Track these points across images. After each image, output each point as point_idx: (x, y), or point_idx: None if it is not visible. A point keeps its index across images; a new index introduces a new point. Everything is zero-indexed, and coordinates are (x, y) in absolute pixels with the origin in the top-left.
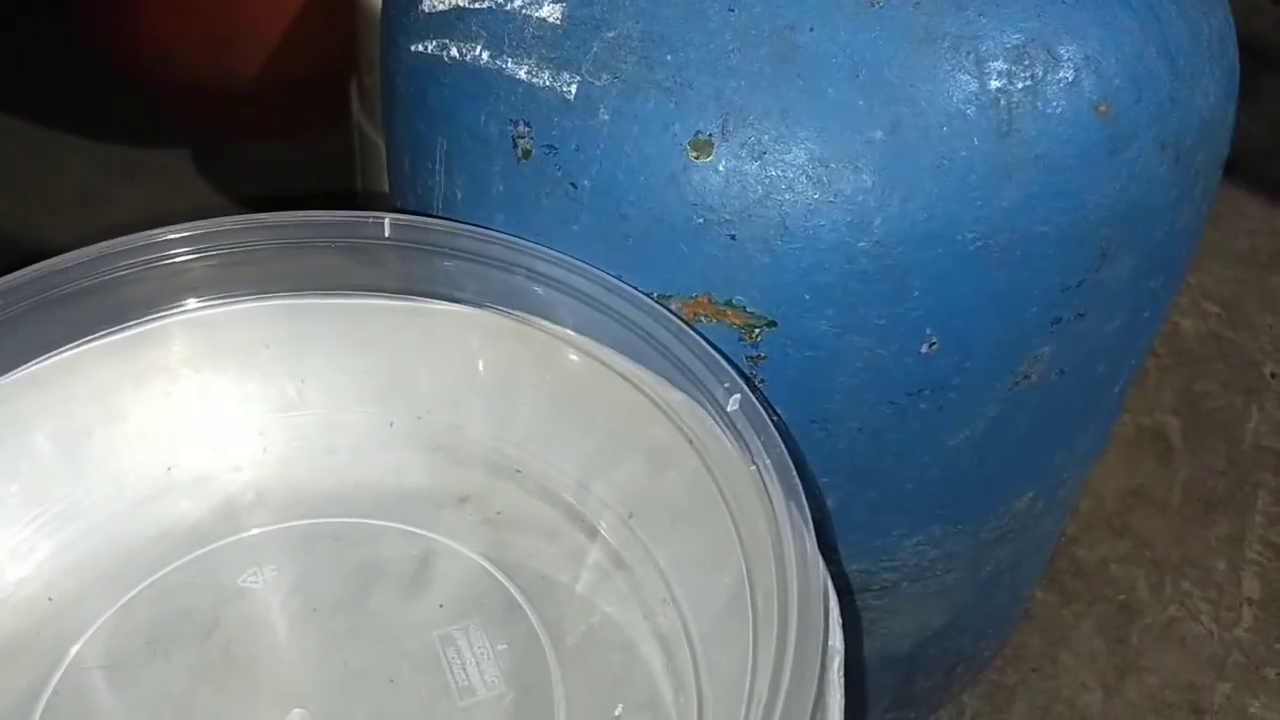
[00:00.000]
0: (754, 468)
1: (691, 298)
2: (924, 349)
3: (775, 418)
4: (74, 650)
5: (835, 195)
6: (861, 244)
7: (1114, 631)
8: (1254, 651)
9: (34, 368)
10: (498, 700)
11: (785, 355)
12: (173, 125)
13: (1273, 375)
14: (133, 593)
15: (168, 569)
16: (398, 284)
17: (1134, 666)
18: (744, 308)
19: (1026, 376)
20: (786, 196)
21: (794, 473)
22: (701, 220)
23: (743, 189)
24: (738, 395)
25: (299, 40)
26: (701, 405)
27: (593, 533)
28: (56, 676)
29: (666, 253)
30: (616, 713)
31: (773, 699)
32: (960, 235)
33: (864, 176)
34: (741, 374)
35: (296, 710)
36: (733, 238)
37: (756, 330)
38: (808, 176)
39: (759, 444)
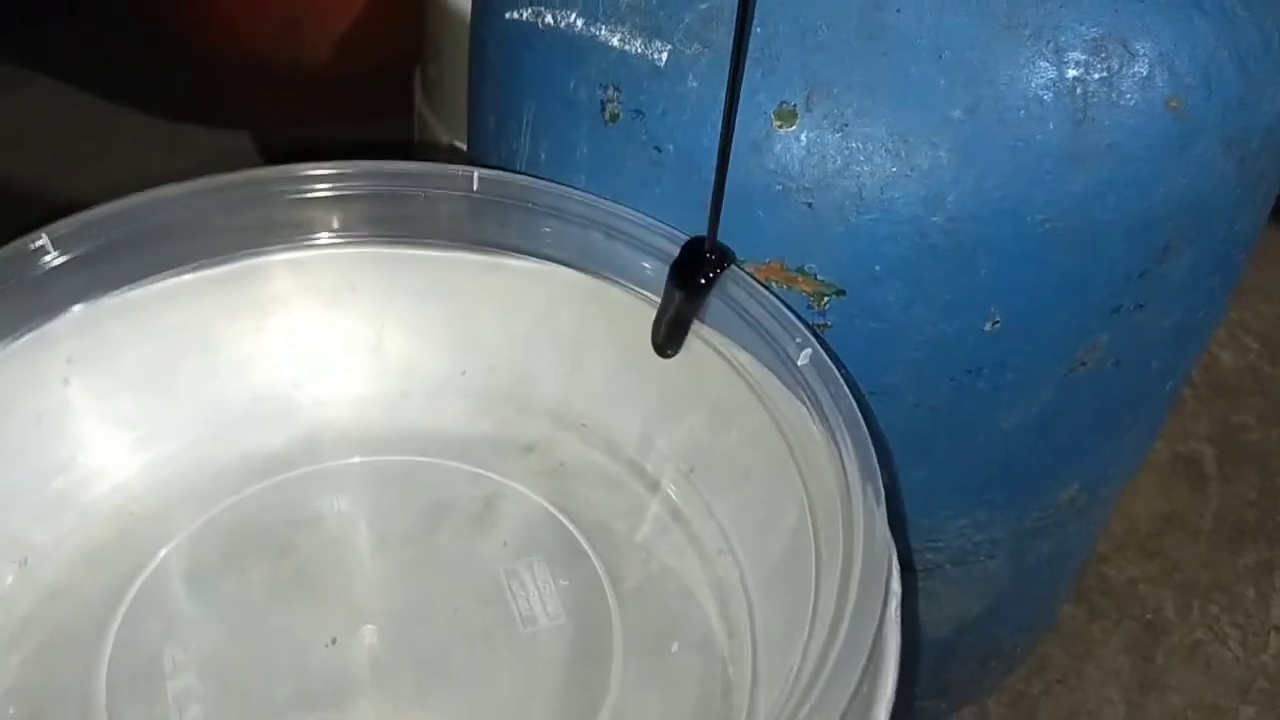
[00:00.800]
0: (823, 423)
1: (764, 263)
2: (987, 327)
3: (845, 373)
4: (156, 559)
5: (912, 169)
6: (934, 219)
7: (1140, 649)
8: (1278, 677)
9: (131, 293)
10: (559, 630)
11: (851, 325)
12: (234, 107)
13: None
14: (213, 511)
15: (247, 492)
16: (479, 237)
17: (1158, 685)
18: (815, 275)
19: (1083, 363)
20: (865, 168)
21: (863, 426)
22: (780, 188)
23: (823, 159)
24: (809, 350)
25: (367, 27)
26: (770, 361)
27: (654, 486)
28: (139, 582)
29: (743, 218)
30: (673, 649)
31: (834, 632)
32: (1030, 216)
33: (941, 153)
34: (812, 331)
35: (367, 627)
36: (810, 206)
37: (825, 298)
38: (887, 150)
39: (829, 397)
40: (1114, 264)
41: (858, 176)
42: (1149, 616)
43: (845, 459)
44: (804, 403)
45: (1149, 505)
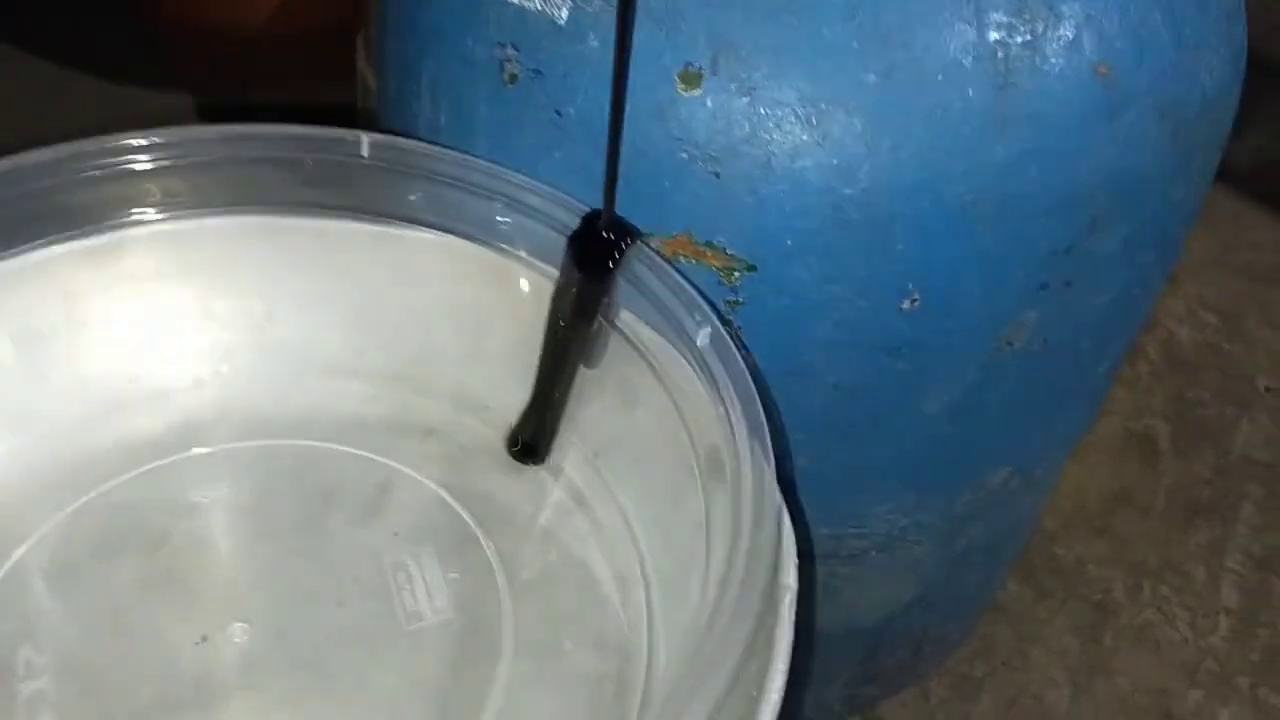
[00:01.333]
0: (719, 405)
1: (671, 236)
2: (905, 305)
3: (745, 354)
4: (17, 553)
5: (823, 138)
6: (847, 191)
7: (1087, 631)
8: (1228, 660)
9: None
10: (445, 626)
11: (764, 302)
12: (179, 69)
13: (1266, 389)
14: (83, 500)
15: (120, 479)
16: (374, 207)
17: (1105, 667)
18: (724, 249)
19: (1010, 343)
20: (774, 135)
21: (759, 406)
22: (686, 155)
23: (729, 125)
24: (708, 329)
25: None
26: (673, 341)
27: (556, 470)
28: None
29: (649, 188)
30: (566, 647)
31: (711, 626)
32: (949, 189)
33: (854, 120)
34: (715, 310)
35: (238, 624)
36: (717, 175)
37: (735, 273)
38: (796, 116)
39: (725, 378)
40: (1038, 239)
41: (766, 144)
42: (1098, 597)
43: (740, 443)
44: (702, 385)
45: (1100, 482)
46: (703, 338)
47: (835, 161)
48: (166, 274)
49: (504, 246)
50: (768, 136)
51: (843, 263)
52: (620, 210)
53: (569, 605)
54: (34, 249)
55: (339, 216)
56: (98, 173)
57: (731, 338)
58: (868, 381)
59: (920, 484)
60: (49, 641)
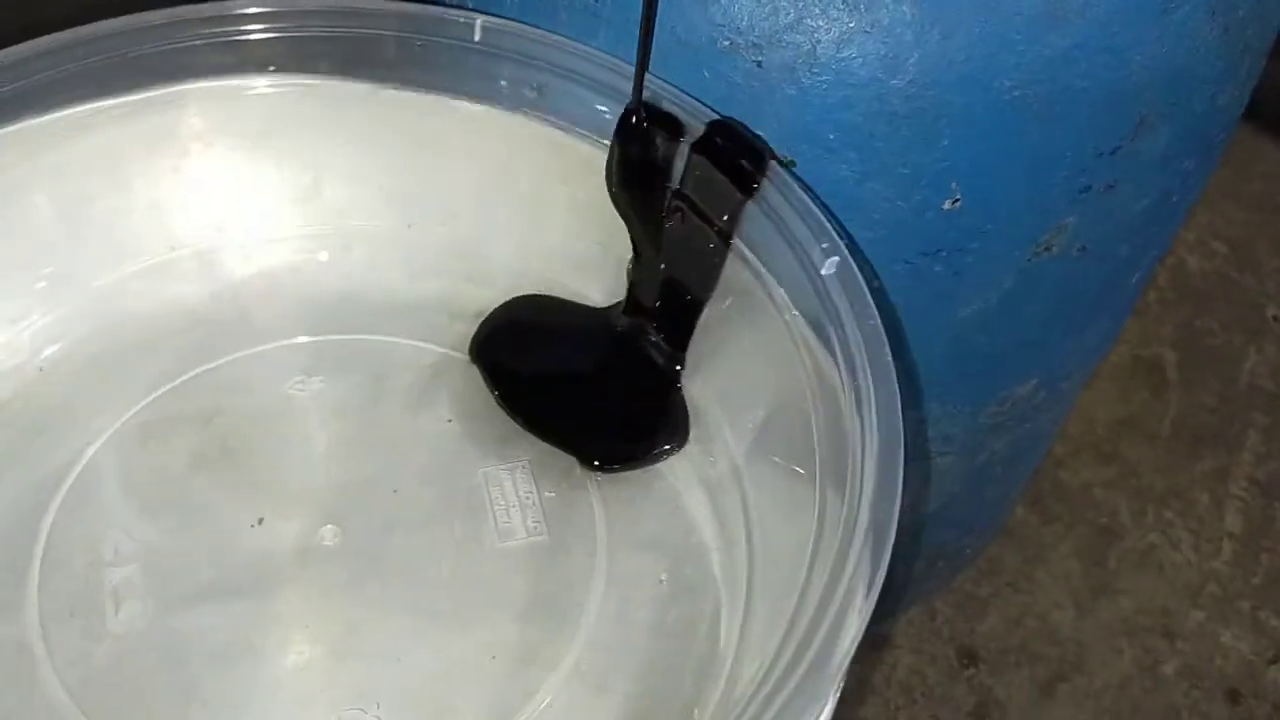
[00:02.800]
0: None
1: None
2: (947, 205)
3: (876, 283)
4: (72, 433)
5: (872, 25)
6: (894, 82)
7: (1092, 554)
8: (1230, 584)
9: (38, 121)
10: (519, 524)
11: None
12: None
13: (1274, 318)
14: (123, 370)
15: (162, 350)
16: (427, 79)
17: (1109, 589)
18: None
19: (1047, 248)
20: (820, 23)
21: (887, 352)
22: (728, 43)
23: (774, 11)
24: (835, 259)
25: None
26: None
27: None
28: (73, 474)
29: (688, 77)
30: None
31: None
32: (998, 82)
33: (904, 7)
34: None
35: (298, 508)
36: (759, 64)
37: None
38: (844, 2)
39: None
40: (1085, 138)
41: (812, 32)
42: (1103, 521)
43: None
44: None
45: (1107, 409)
46: (829, 267)
47: (883, 51)
48: (211, 137)
49: (567, 125)
50: (813, 23)
51: (885, 159)
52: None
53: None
54: (75, 105)
55: (394, 85)
56: (158, 39)
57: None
58: (902, 285)
59: (949, 394)
60: (105, 515)
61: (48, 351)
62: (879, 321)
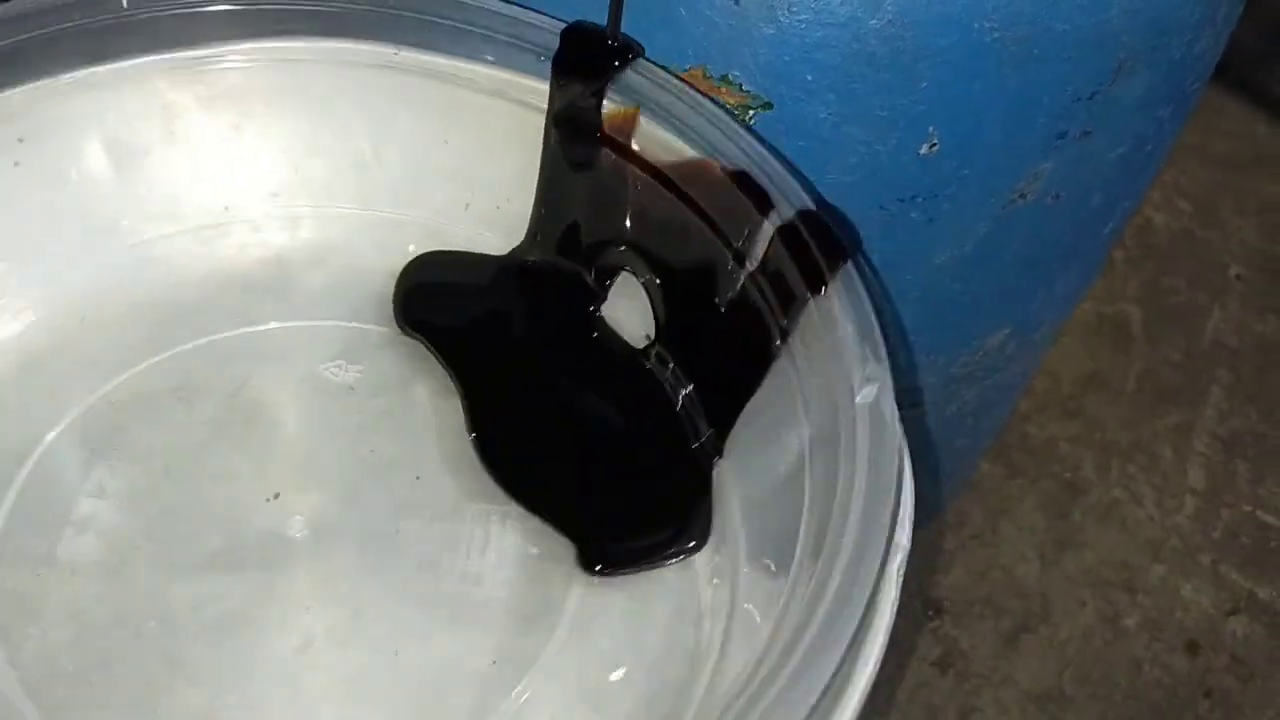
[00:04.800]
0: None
1: (685, 70)
2: (924, 149)
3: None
4: (99, 379)
5: None
6: (873, 22)
7: (1056, 508)
8: (1191, 538)
9: (96, 69)
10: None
11: (777, 144)
12: None
13: (1238, 276)
14: (167, 330)
15: (207, 314)
16: (493, 57)
17: (1073, 542)
18: (740, 85)
19: (1023, 195)
20: None
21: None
22: None
23: None
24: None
25: None
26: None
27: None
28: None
29: (663, 18)
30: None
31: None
32: (978, 24)
33: None
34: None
35: (312, 484)
36: (736, 3)
37: (751, 112)
38: None
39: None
40: (1064, 83)
41: None
42: (1067, 475)
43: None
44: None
45: (1073, 364)
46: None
47: None
48: (273, 99)
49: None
50: None
51: (863, 101)
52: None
53: None
54: (133, 57)
55: (462, 58)
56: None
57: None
58: (877, 231)
59: (921, 344)
60: (123, 468)
61: (88, 304)
62: (896, 470)
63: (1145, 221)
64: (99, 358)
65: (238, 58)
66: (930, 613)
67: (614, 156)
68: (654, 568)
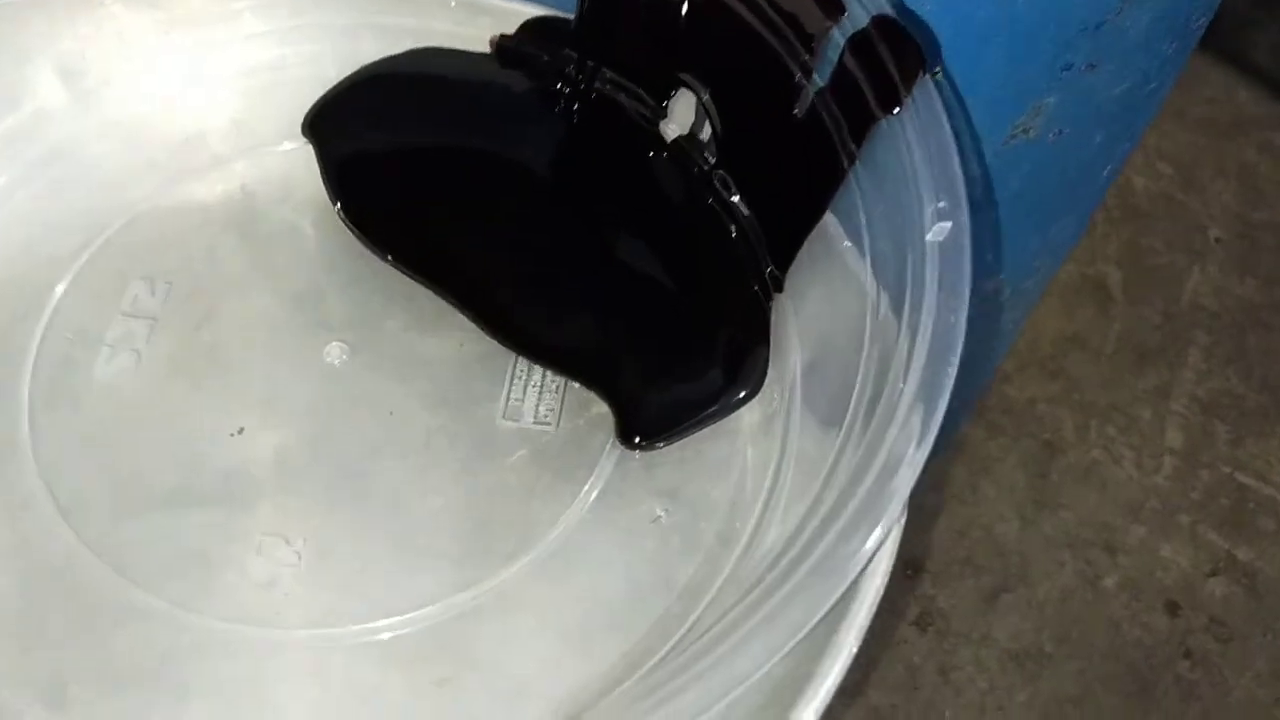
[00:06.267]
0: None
1: None
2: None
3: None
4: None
5: None
6: None
7: (1036, 468)
8: (1170, 499)
9: None
10: (534, 436)
11: None
12: None
13: (1217, 240)
14: (125, 258)
15: (169, 247)
16: None
17: (1052, 502)
18: None
19: (1025, 130)
20: None
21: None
22: None
23: None
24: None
25: None
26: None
27: None
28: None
29: None
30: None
31: None
32: None
33: None
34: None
35: (278, 419)
36: None
37: None
38: None
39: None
40: (1072, 11)
41: None
42: (1047, 436)
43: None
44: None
45: (1053, 325)
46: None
47: None
48: (231, 20)
49: None
50: None
51: None
52: None
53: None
54: None
55: None
56: None
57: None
58: None
59: None
60: (71, 403)
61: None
62: (961, 319)
63: (1125, 183)
64: (55, 288)
65: None
66: (909, 571)
67: None
68: (702, 427)
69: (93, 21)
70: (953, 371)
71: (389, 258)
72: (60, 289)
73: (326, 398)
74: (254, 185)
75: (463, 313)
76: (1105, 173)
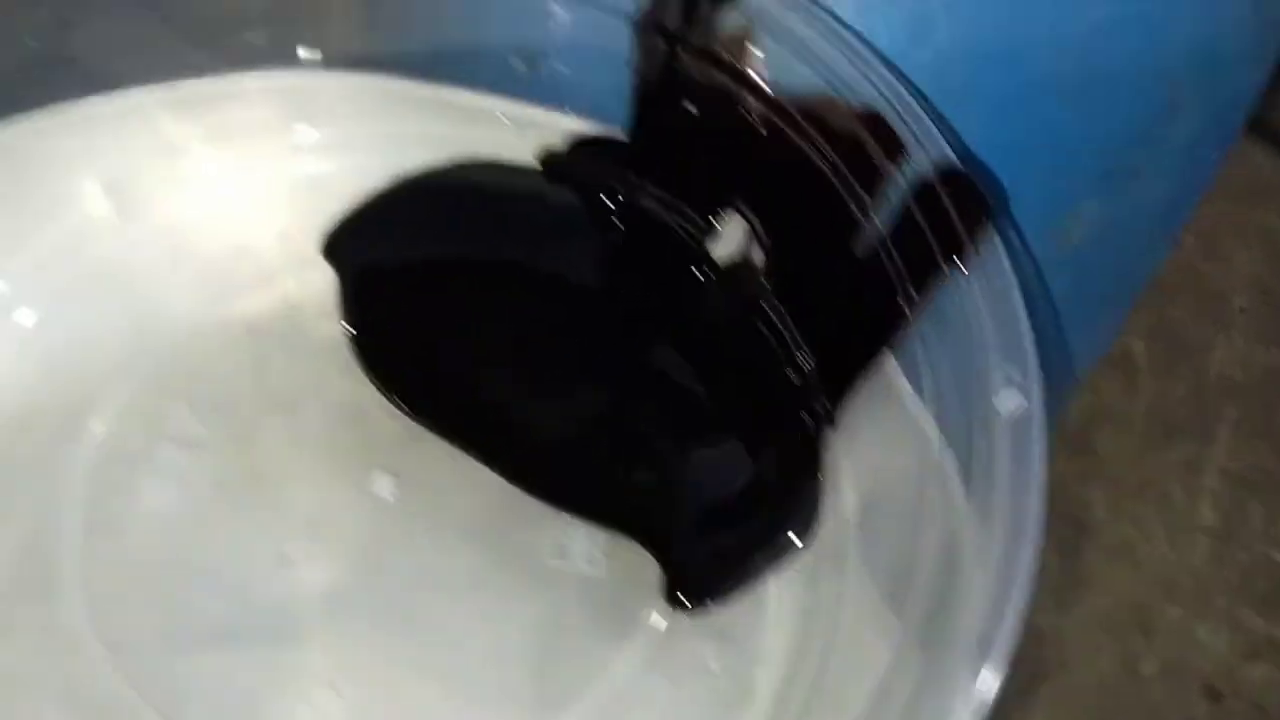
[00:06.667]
0: None
1: None
2: None
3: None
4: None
5: None
6: (921, 54)
7: (1068, 548)
8: (1204, 578)
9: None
10: (590, 578)
11: None
12: None
13: (1241, 310)
14: (173, 378)
15: (217, 364)
16: None
17: (1085, 584)
18: None
19: (1066, 235)
20: None
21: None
22: None
23: None
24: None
25: None
26: None
27: None
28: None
29: None
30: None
31: None
32: (1032, 58)
33: None
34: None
35: (322, 549)
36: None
37: None
38: None
39: None
40: (1115, 120)
41: (835, 2)
42: (1077, 514)
43: None
44: None
45: (1080, 399)
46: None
47: (910, 19)
48: (281, 131)
49: None
50: None
51: None
52: None
53: None
54: (131, 91)
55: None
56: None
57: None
58: None
59: None
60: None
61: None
62: (1041, 502)
63: None
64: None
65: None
66: None
67: (726, 81)
68: (753, 582)
69: (139, 133)
70: (1027, 592)
71: (404, 408)
72: (104, 412)
73: (372, 527)
74: (299, 299)
75: (491, 470)
76: (1144, 273)
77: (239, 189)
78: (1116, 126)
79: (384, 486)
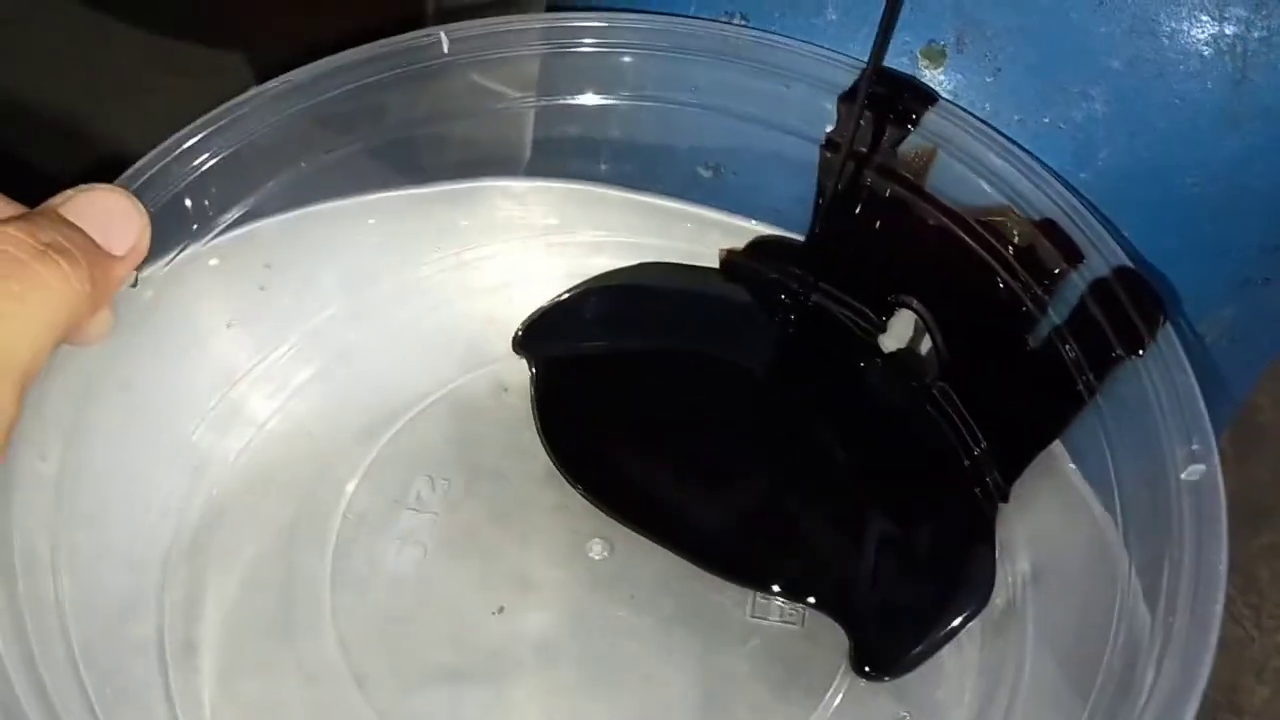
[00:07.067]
0: None
1: None
2: None
3: None
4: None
5: (1065, 121)
6: (1082, 174)
7: None
8: None
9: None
10: (787, 634)
11: None
12: (227, 22)
13: None
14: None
15: (433, 431)
16: None
17: None
18: None
19: (1203, 339)
20: (1014, 117)
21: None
22: None
23: (970, 105)
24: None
25: None
26: None
27: None
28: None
29: None
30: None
31: None
32: (1180, 178)
33: (1096, 105)
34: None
35: (535, 598)
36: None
37: None
38: (1041, 98)
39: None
40: (1254, 233)
41: (1006, 126)
42: None
43: None
44: None
45: None
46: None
47: (1074, 145)
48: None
49: None
50: (1008, 118)
51: None
52: None
53: None
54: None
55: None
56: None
57: None
58: None
59: None
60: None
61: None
62: (1223, 560)
63: None
64: (330, 475)
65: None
66: None
67: (905, 194)
68: (936, 651)
69: (376, 231)
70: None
71: (578, 488)
72: (352, 485)
73: (578, 582)
74: (513, 382)
75: (675, 554)
76: (1262, 369)
77: (456, 282)
78: (1254, 239)
79: (592, 547)
